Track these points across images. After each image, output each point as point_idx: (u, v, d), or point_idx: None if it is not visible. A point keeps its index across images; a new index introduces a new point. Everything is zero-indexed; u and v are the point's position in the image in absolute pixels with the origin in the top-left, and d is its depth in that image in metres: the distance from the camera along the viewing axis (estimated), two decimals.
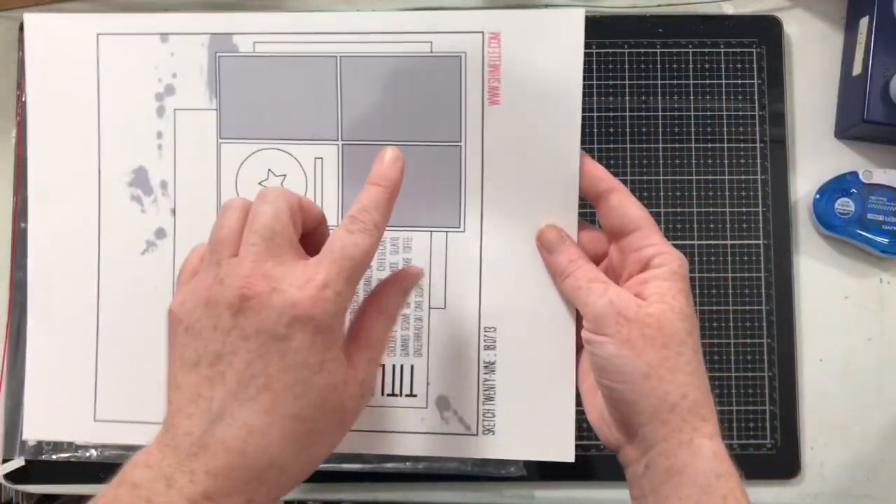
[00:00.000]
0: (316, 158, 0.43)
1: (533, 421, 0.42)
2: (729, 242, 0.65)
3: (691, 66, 0.66)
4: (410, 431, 0.42)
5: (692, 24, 0.66)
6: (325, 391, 0.34)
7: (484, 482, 0.62)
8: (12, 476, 0.62)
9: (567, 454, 0.43)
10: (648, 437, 0.38)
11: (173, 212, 0.43)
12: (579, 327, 0.43)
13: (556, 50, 0.41)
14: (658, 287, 0.39)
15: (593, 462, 0.63)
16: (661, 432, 0.38)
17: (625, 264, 0.41)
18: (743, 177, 0.65)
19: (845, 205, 0.63)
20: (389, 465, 0.62)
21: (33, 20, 0.43)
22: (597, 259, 0.43)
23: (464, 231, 0.42)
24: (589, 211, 0.46)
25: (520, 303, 0.42)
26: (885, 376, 0.64)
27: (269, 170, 0.43)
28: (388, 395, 0.42)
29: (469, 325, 0.42)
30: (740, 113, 0.66)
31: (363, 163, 0.41)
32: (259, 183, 0.42)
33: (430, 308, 0.43)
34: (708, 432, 0.38)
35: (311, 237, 0.39)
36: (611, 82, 0.66)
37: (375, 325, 0.38)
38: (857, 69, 0.63)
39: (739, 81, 0.66)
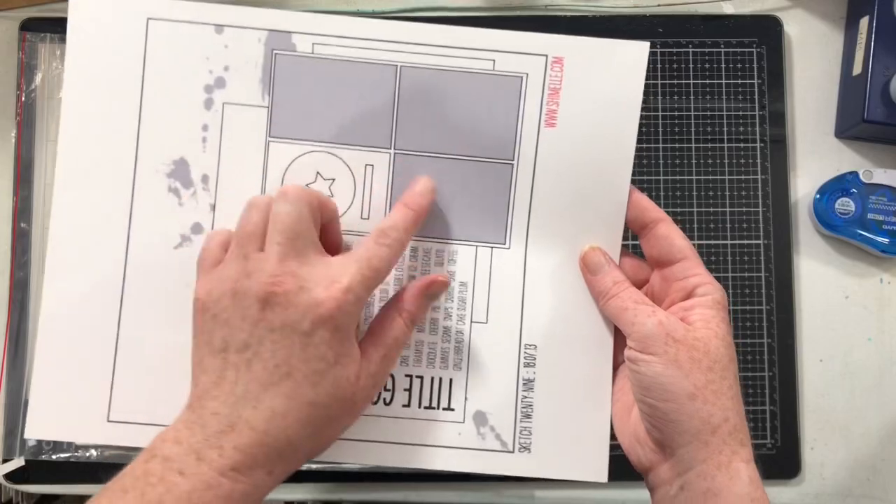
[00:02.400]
0: (367, 165, 0.42)
1: (568, 440, 0.42)
2: (729, 242, 0.65)
3: (691, 66, 0.66)
4: (446, 446, 0.42)
5: (692, 24, 0.66)
6: (340, 382, 0.37)
7: (484, 482, 0.62)
8: (12, 476, 0.62)
9: (601, 475, 0.43)
10: (687, 457, 0.39)
11: (213, 207, 0.42)
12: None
13: (617, 79, 0.41)
14: (703, 314, 0.40)
15: None
16: (701, 453, 0.38)
17: (668, 292, 0.42)
18: (743, 177, 0.65)
19: (845, 205, 0.63)
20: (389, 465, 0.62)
21: (81, 3, 0.42)
22: (636, 286, 0.44)
23: (509, 248, 0.42)
24: (630, 242, 0.46)
25: (561, 322, 0.42)
26: (885, 376, 0.64)
27: (318, 173, 0.42)
28: (426, 407, 0.42)
29: (510, 342, 0.42)
30: (740, 113, 0.66)
31: (414, 173, 0.41)
32: (307, 184, 0.42)
33: (471, 322, 0.42)
34: (745, 457, 0.39)
35: (325, 231, 0.41)
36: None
37: (394, 326, 0.40)
38: (857, 69, 0.63)
39: (739, 81, 0.66)
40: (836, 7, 0.67)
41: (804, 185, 0.66)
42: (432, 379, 0.42)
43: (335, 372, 0.37)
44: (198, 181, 0.42)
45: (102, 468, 0.62)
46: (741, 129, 0.66)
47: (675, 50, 0.66)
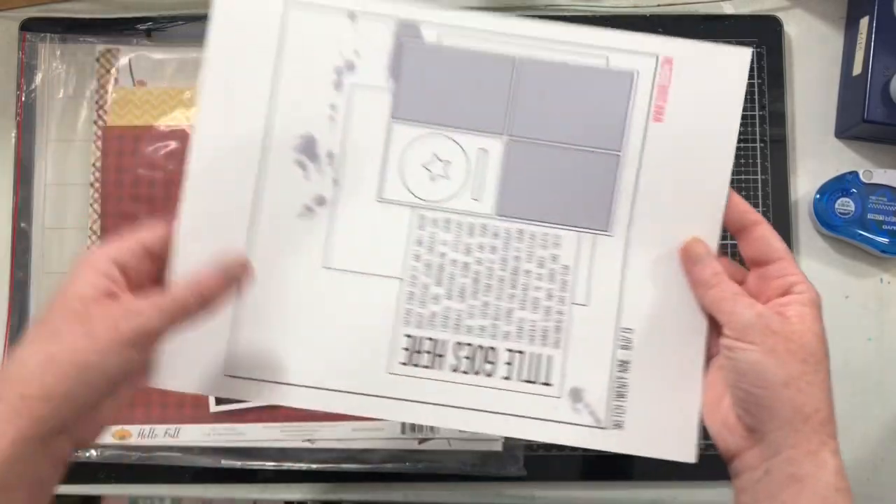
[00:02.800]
0: (480, 149, 0.44)
1: (659, 420, 0.44)
2: (729, 242, 0.65)
3: None
4: (543, 418, 0.44)
5: (692, 24, 0.66)
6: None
7: (484, 482, 0.62)
8: None
9: (689, 455, 0.44)
10: (776, 443, 0.40)
11: (335, 182, 0.44)
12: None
13: (722, 81, 0.44)
14: (799, 310, 0.42)
15: (593, 462, 0.63)
16: (791, 439, 0.40)
17: (765, 290, 0.44)
18: (743, 177, 0.65)
19: (845, 205, 0.63)
20: (389, 465, 0.62)
21: None
22: None
23: (612, 235, 0.44)
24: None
25: (657, 309, 0.44)
26: (885, 376, 0.64)
27: (435, 154, 0.44)
28: (525, 381, 0.44)
29: (607, 324, 0.44)
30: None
31: (524, 157, 0.44)
32: (423, 165, 0.44)
33: (572, 304, 0.44)
34: (833, 448, 0.40)
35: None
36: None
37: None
38: (857, 69, 0.63)
39: None
40: (835, 7, 0.67)
41: (804, 184, 0.66)
42: (532, 354, 0.44)
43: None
44: (323, 156, 0.44)
45: (102, 468, 0.62)
46: (741, 129, 0.65)
47: None
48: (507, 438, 0.62)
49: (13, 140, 0.64)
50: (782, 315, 0.42)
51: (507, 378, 0.44)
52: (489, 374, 0.44)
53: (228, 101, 0.44)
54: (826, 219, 0.63)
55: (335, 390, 0.43)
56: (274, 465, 0.62)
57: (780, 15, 0.67)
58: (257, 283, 0.43)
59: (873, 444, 0.64)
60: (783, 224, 0.65)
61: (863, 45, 0.63)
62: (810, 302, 0.43)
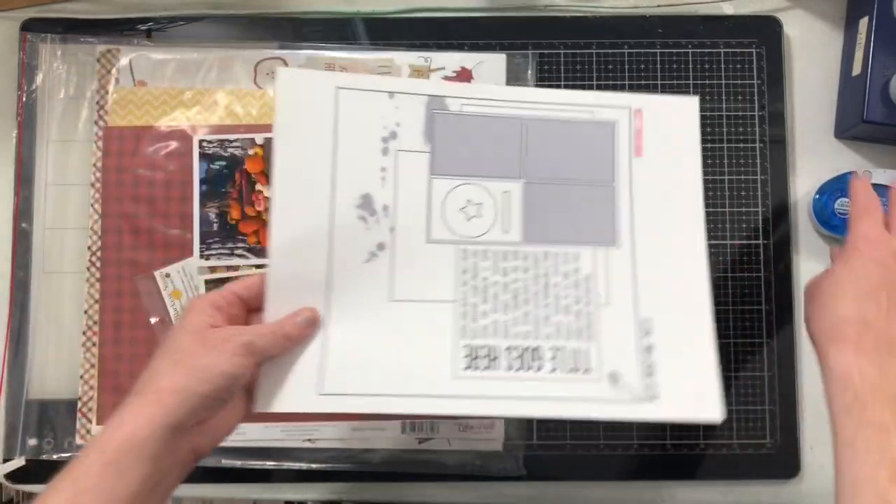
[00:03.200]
0: (504, 191, 0.55)
1: (686, 390, 0.52)
2: (728, 242, 0.65)
3: (691, 66, 0.66)
4: (590, 399, 0.52)
5: (692, 24, 0.66)
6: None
7: (484, 482, 0.62)
8: (13, 475, 0.62)
9: (715, 415, 0.51)
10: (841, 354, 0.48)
11: (392, 229, 0.53)
12: None
13: (681, 120, 0.56)
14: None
15: (593, 462, 0.63)
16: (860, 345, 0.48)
17: None
18: (743, 177, 0.65)
19: (845, 205, 0.63)
20: (389, 465, 0.62)
21: (286, 74, 0.54)
22: None
23: (619, 247, 0.54)
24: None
25: (666, 297, 0.53)
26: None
27: (468, 199, 0.55)
28: (570, 370, 0.52)
29: (629, 317, 0.53)
30: (740, 113, 0.66)
31: (540, 194, 0.55)
32: (460, 209, 0.55)
33: (597, 305, 0.53)
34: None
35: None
36: (611, 82, 0.66)
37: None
38: (856, 69, 0.63)
39: (739, 81, 0.66)
40: (835, 7, 0.67)
41: (804, 184, 0.66)
42: (571, 349, 0.52)
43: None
44: (380, 210, 0.53)
45: None
46: (741, 129, 0.66)
47: (674, 50, 0.66)
48: (506, 438, 0.62)
49: (14, 140, 0.64)
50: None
51: (553, 370, 0.52)
52: (538, 369, 0.52)
53: (298, 175, 0.52)
54: (825, 219, 0.63)
55: (413, 395, 0.50)
56: (274, 465, 0.62)
57: (779, 15, 0.67)
58: (339, 318, 0.51)
59: None
60: (783, 223, 0.65)
61: (862, 46, 0.63)
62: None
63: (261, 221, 0.63)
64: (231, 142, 0.64)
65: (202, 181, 0.63)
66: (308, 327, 0.49)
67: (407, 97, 0.55)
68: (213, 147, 0.64)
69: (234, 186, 0.63)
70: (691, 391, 0.52)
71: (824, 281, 0.50)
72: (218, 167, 0.63)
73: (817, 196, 0.64)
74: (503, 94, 0.56)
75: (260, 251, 0.63)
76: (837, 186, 0.64)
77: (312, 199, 0.52)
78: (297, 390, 0.49)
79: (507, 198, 0.55)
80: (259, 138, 0.64)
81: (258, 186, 0.64)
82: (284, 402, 0.49)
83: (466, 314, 0.52)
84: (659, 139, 0.56)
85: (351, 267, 0.52)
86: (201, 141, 0.63)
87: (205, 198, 0.63)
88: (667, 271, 0.54)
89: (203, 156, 0.63)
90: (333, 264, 0.52)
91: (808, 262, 0.65)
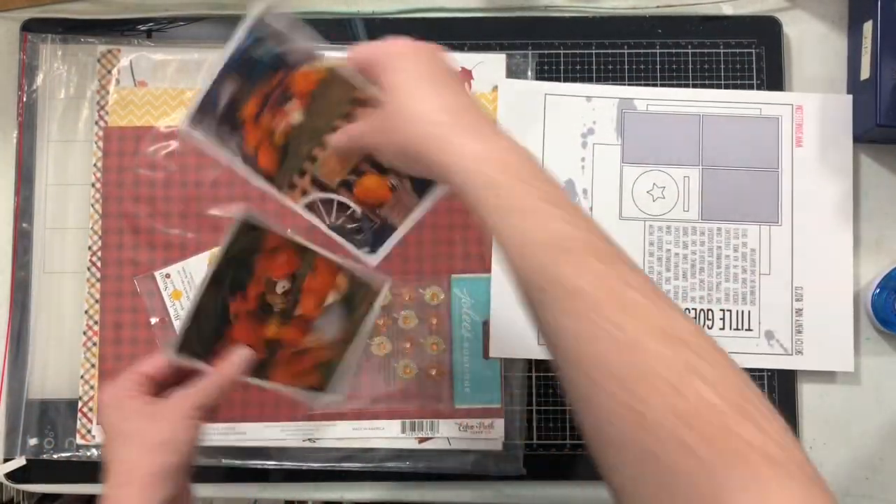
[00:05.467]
0: (684, 176, 0.65)
1: (825, 346, 0.64)
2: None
3: (691, 66, 0.66)
4: (749, 352, 0.64)
5: (692, 24, 0.66)
6: None
7: (484, 482, 0.62)
8: (13, 475, 0.62)
9: (848, 366, 0.63)
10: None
11: (591, 209, 0.65)
12: None
13: (837, 114, 0.65)
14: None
15: (593, 461, 0.63)
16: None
17: None
18: None
19: None
20: (389, 464, 0.62)
21: (506, 84, 0.65)
22: None
23: (781, 225, 0.65)
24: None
25: (818, 270, 0.64)
26: (884, 377, 0.64)
27: (654, 183, 0.65)
28: (734, 329, 0.64)
29: (785, 285, 0.64)
30: None
31: (715, 179, 0.65)
32: (647, 192, 0.65)
33: (759, 274, 0.64)
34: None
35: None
36: (611, 83, 0.66)
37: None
38: (864, 73, 0.63)
39: (739, 81, 0.66)
40: (835, 8, 0.67)
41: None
42: (737, 311, 0.64)
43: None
44: (580, 193, 0.65)
45: (102, 468, 0.62)
46: None
47: (674, 50, 0.66)
48: (506, 438, 0.62)
49: (14, 140, 0.64)
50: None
51: (722, 329, 0.64)
52: (710, 328, 0.64)
53: None
54: (884, 316, 0.63)
55: None
56: (274, 465, 0.62)
57: (779, 15, 0.67)
58: None
59: (873, 443, 0.64)
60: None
61: (868, 49, 0.63)
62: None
63: (267, 136, 0.51)
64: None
65: (240, 50, 0.50)
66: (245, 367, 0.50)
67: (602, 100, 0.66)
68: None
69: (267, 84, 0.51)
70: (830, 348, 0.63)
71: (388, 105, 0.44)
72: (264, 54, 0.51)
73: (876, 291, 0.63)
74: (682, 95, 0.66)
75: (251, 160, 0.51)
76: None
77: None
78: (522, 342, 0.62)
79: (687, 182, 0.65)
80: (327, 61, 0.52)
81: (290, 104, 0.52)
82: (513, 349, 0.62)
83: (653, 280, 0.58)
84: (816, 132, 0.65)
85: None
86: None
87: (229, 68, 0.50)
88: (818, 246, 0.64)
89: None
90: None
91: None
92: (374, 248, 0.53)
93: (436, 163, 0.41)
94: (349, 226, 0.53)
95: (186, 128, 0.50)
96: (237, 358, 0.49)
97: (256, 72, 0.51)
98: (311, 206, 0.52)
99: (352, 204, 0.52)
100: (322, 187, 0.52)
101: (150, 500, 0.44)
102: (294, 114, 0.52)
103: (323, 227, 0.52)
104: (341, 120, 0.51)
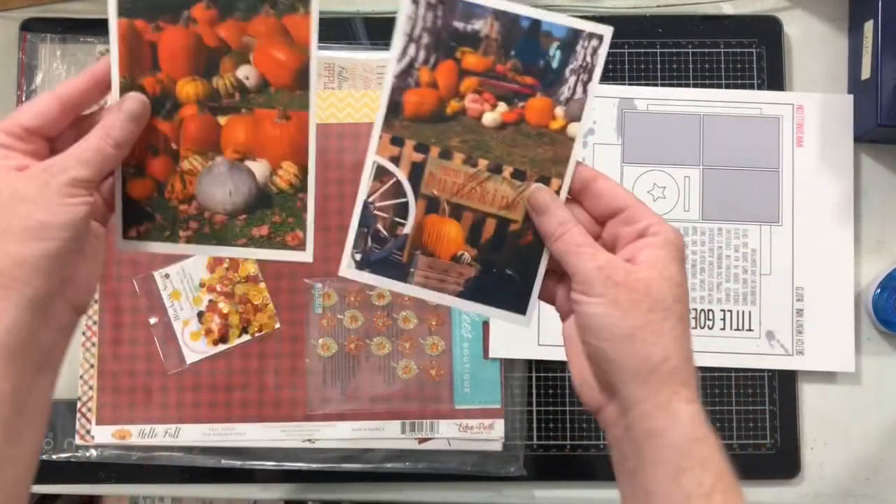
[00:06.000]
0: (685, 176, 0.65)
1: (826, 346, 0.63)
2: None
3: (691, 66, 0.66)
4: (749, 353, 0.63)
5: (692, 24, 0.66)
6: None
7: (484, 482, 0.62)
8: None
9: (849, 367, 0.63)
10: (628, 397, 0.39)
11: None
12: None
13: (837, 113, 0.65)
14: (650, 254, 0.40)
15: (593, 462, 0.63)
16: (640, 393, 0.39)
17: (619, 236, 0.42)
18: None
19: None
20: (389, 465, 0.62)
21: None
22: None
23: (781, 225, 0.64)
24: None
25: (817, 269, 0.64)
26: (884, 376, 0.64)
27: (655, 183, 0.65)
28: (735, 329, 0.63)
29: (786, 286, 0.64)
30: None
31: (715, 179, 0.65)
32: (647, 192, 0.65)
33: (760, 274, 0.64)
34: (686, 396, 0.38)
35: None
36: (611, 83, 0.66)
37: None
38: (865, 73, 0.63)
39: (739, 81, 0.66)
40: (836, 8, 0.67)
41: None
42: (738, 312, 0.64)
43: None
44: None
45: (102, 468, 0.62)
46: None
47: (674, 50, 0.66)
48: (506, 439, 0.62)
49: None
50: (633, 261, 0.40)
51: (723, 329, 0.64)
52: (711, 328, 0.64)
53: None
54: (885, 316, 0.63)
55: None
56: (274, 465, 0.62)
57: (780, 15, 0.67)
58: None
59: (873, 444, 0.64)
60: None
61: (869, 49, 0.62)
62: (665, 243, 0.40)
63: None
64: None
65: None
66: (136, 121, 0.42)
67: (602, 100, 0.65)
68: None
69: None
70: (830, 349, 0.63)
71: (619, 320, 0.39)
72: None
73: (877, 291, 0.63)
74: (683, 95, 0.65)
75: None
76: None
77: None
78: (522, 342, 0.62)
79: (688, 182, 0.65)
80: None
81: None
82: (514, 349, 0.62)
83: None
84: (817, 132, 0.65)
85: None
86: None
87: None
88: (819, 246, 0.64)
89: None
90: None
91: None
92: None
93: (638, 398, 0.39)
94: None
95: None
96: (125, 110, 0.42)
97: None
98: None
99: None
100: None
101: (8, 305, 0.36)
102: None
103: None
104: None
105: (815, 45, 0.67)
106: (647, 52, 0.66)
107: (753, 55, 0.66)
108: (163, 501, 1.03)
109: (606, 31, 0.45)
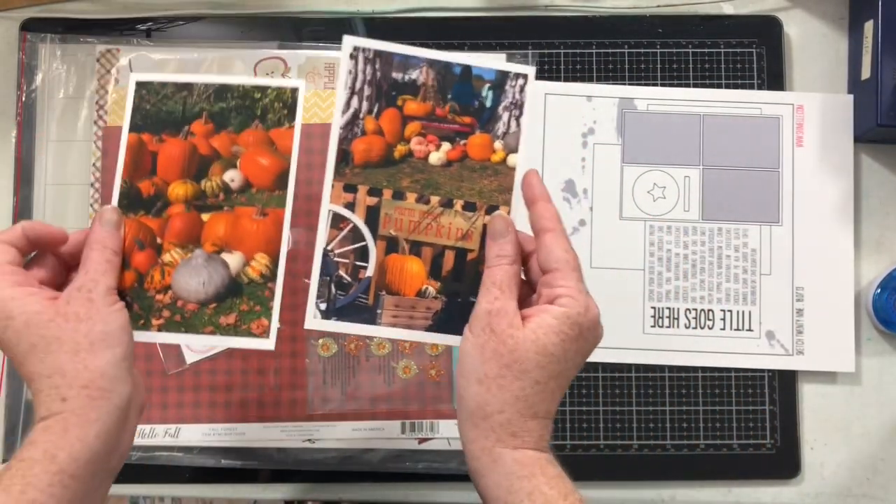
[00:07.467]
0: (685, 176, 0.65)
1: (826, 345, 0.63)
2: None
3: (691, 66, 0.66)
4: (749, 353, 0.63)
5: (692, 24, 0.66)
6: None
7: None
8: None
9: (849, 367, 0.63)
10: (462, 434, 0.43)
11: (591, 209, 0.65)
12: None
13: (836, 113, 0.65)
14: (540, 320, 0.42)
15: (593, 462, 0.63)
16: (470, 434, 0.42)
17: (541, 294, 0.44)
18: None
19: None
20: (389, 465, 0.62)
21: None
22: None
23: (781, 225, 0.64)
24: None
25: (817, 269, 0.64)
26: (884, 376, 0.64)
27: (654, 183, 0.65)
28: (735, 329, 0.63)
29: (786, 286, 0.64)
30: None
31: (715, 179, 0.65)
32: (647, 192, 0.64)
33: (760, 274, 0.64)
34: (513, 445, 0.41)
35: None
36: (611, 83, 0.66)
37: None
38: (865, 73, 0.63)
39: (739, 81, 0.66)
40: (836, 8, 0.67)
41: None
42: (738, 312, 0.64)
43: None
44: (581, 192, 0.65)
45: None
46: None
47: (674, 50, 0.66)
48: None
49: (13, 140, 0.64)
50: (526, 317, 0.42)
51: (722, 329, 0.64)
52: (711, 328, 0.64)
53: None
54: (885, 316, 0.63)
55: (611, 347, 0.62)
56: (274, 465, 0.62)
57: (780, 15, 0.67)
58: None
59: (873, 444, 0.64)
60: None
61: (869, 49, 0.62)
62: (562, 316, 0.42)
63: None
64: None
65: None
66: (119, 226, 0.46)
67: (602, 100, 0.65)
68: None
69: None
70: (831, 349, 0.63)
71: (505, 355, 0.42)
72: None
73: (878, 291, 0.63)
74: (683, 95, 0.65)
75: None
76: None
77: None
78: None
79: (688, 182, 0.65)
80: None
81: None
82: None
83: (653, 281, 0.64)
84: (817, 132, 0.65)
85: None
86: None
87: None
88: (819, 246, 0.64)
89: None
90: None
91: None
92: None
93: (469, 438, 0.42)
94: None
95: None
96: (105, 221, 0.45)
97: None
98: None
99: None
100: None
101: (103, 409, 0.40)
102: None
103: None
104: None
105: (815, 45, 0.67)
106: (646, 52, 0.66)
107: (753, 55, 0.66)
108: (163, 501, 1.03)
109: (530, 71, 0.48)
